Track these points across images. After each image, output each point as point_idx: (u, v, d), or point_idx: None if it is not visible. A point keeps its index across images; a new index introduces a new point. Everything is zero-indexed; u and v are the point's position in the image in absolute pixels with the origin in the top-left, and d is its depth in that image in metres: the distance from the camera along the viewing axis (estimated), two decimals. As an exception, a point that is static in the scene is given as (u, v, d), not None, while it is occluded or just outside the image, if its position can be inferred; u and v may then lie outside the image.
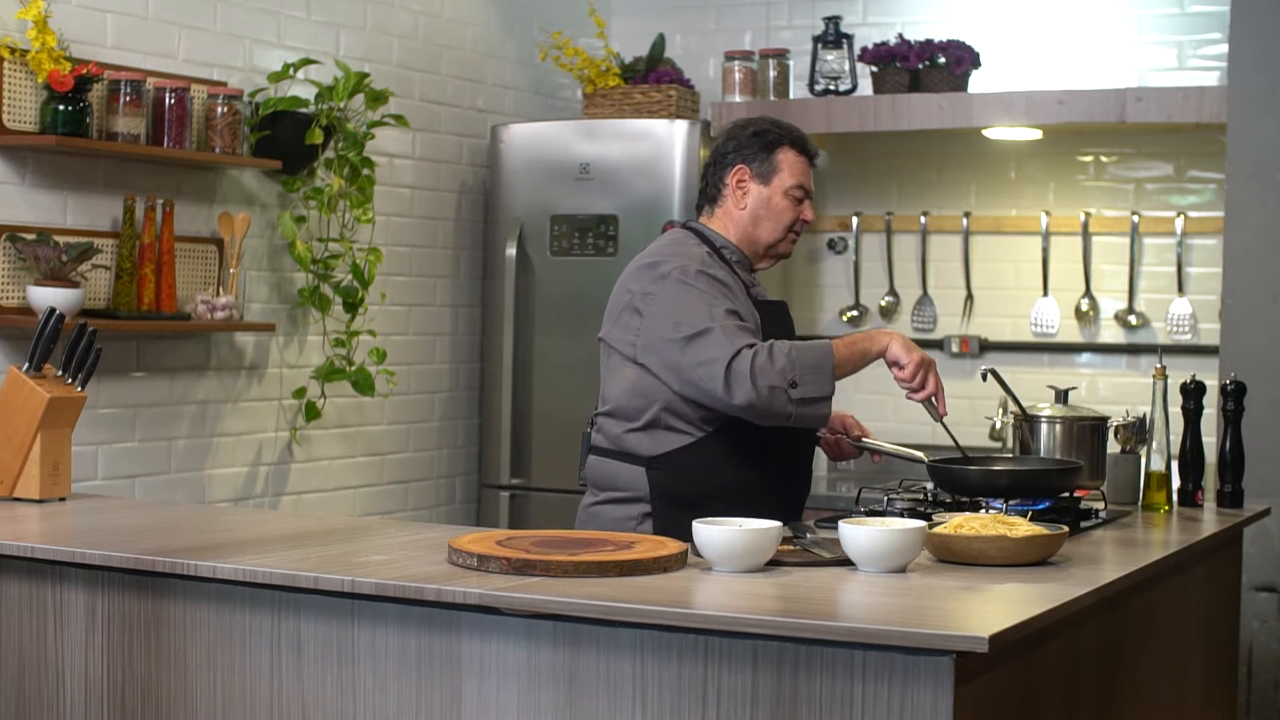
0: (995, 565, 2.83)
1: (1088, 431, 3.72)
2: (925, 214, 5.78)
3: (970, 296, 5.74)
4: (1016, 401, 3.72)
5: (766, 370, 3.19)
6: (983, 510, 3.33)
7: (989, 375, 3.74)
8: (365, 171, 4.97)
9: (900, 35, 5.57)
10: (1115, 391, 5.49)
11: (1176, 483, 3.80)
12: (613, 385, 3.42)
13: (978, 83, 5.50)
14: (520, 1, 5.91)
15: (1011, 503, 3.35)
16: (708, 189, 3.54)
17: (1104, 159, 5.60)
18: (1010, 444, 3.80)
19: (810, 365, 3.22)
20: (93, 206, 4.39)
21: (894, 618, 2.39)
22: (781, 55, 5.72)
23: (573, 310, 5.42)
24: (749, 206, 3.48)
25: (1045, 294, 5.61)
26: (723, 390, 3.20)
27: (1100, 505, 3.59)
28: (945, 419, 3.43)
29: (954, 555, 2.85)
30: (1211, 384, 4.07)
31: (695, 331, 3.25)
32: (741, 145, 3.50)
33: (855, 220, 5.86)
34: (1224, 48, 5.14)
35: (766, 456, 3.37)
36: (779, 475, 3.41)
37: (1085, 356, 5.62)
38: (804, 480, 3.54)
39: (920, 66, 5.46)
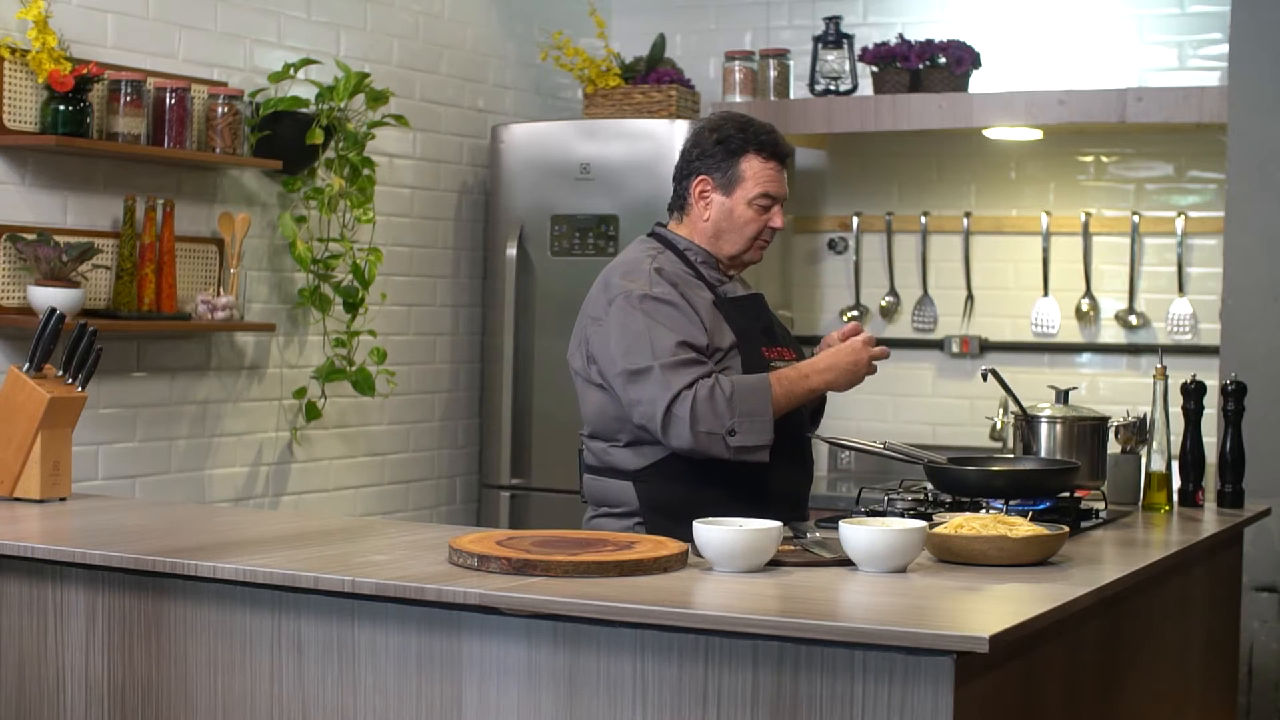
0: (995, 565, 2.83)
1: (1088, 432, 3.72)
2: (925, 214, 5.78)
3: (970, 296, 5.74)
4: (1017, 402, 3.72)
5: (705, 417, 3.20)
6: (983, 510, 3.32)
7: (989, 375, 3.73)
8: (365, 171, 4.97)
9: (900, 35, 5.57)
10: (1115, 391, 5.49)
11: (1177, 483, 3.80)
12: (586, 408, 3.45)
13: (978, 83, 5.50)
14: (520, 1, 5.91)
15: (1012, 503, 3.35)
16: (675, 197, 3.51)
17: (1104, 159, 5.60)
18: (1011, 444, 3.80)
19: (749, 412, 3.22)
20: (93, 206, 4.39)
21: (894, 618, 2.39)
22: (782, 55, 5.72)
23: (573, 310, 5.31)
24: (712, 218, 3.44)
25: (1045, 294, 5.61)
26: (660, 433, 3.24)
27: (1101, 505, 3.59)
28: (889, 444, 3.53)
29: (954, 555, 2.85)
30: (1212, 384, 4.07)
31: (635, 369, 3.26)
32: (705, 153, 3.45)
33: (855, 220, 5.86)
34: (1224, 48, 5.14)
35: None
36: (769, 477, 3.38)
37: (1085, 356, 5.62)
38: (800, 479, 3.52)
39: (921, 66, 5.46)
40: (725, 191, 3.42)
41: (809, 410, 3.59)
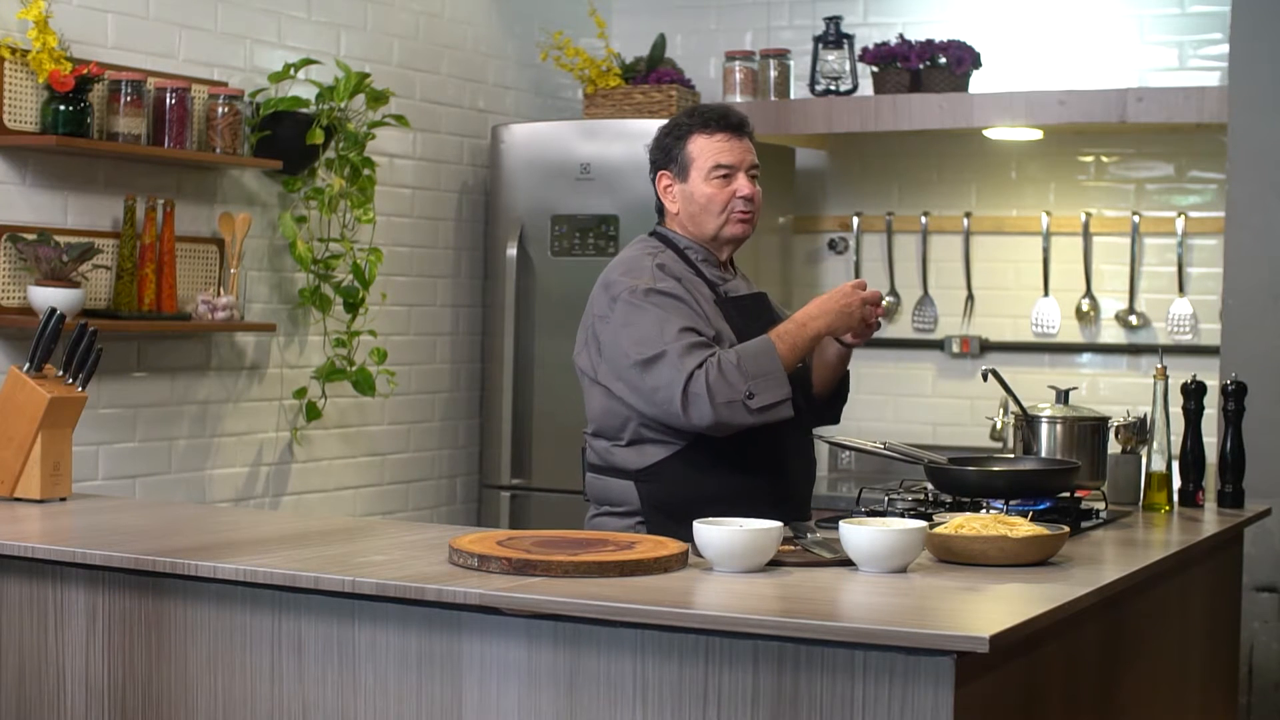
0: (996, 565, 2.83)
1: (1088, 432, 3.72)
2: (926, 214, 5.78)
3: (971, 296, 5.74)
4: (1017, 402, 3.72)
5: (721, 389, 3.21)
6: (983, 510, 3.32)
7: (989, 375, 3.74)
8: (366, 172, 4.97)
9: (901, 35, 5.57)
10: (1116, 392, 5.49)
11: (1177, 483, 3.80)
12: (591, 406, 3.46)
13: (978, 83, 5.50)
14: (521, 1, 5.91)
15: (1012, 503, 3.34)
16: (656, 202, 3.54)
17: (1105, 159, 5.60)
18: (1011, 444, 3.80)
19: (761, 373, 3.23)
20: (93, 206, 4.39)
21: (895, 618, 2.39)
22: (782, 55, 5.72)
23: (573, 310, 5.32)
24: (680, 208, 3.46)
25: (1046, 294, 5.61)
26: (681, 413, 3.23)
27: (1101, 505, 3.59)
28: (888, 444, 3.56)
29: (954, 555, 2.85)
30: (1212, 384, 4.07)
31: (648, 356, 3.27)
32: (660, 150, 3.48)
33: (856, 220, 5.86)
34: (1224, 48, 5.14)
35: (753, 460, 3.36)
36: (770, 477, 3.40)
37: (1086, 357, 5.61)
38: (803, 478, 3.53)
39: (921, 67, 5.46)
40: (682, 178, 3.45)
41: (829, 394, 3.58)
